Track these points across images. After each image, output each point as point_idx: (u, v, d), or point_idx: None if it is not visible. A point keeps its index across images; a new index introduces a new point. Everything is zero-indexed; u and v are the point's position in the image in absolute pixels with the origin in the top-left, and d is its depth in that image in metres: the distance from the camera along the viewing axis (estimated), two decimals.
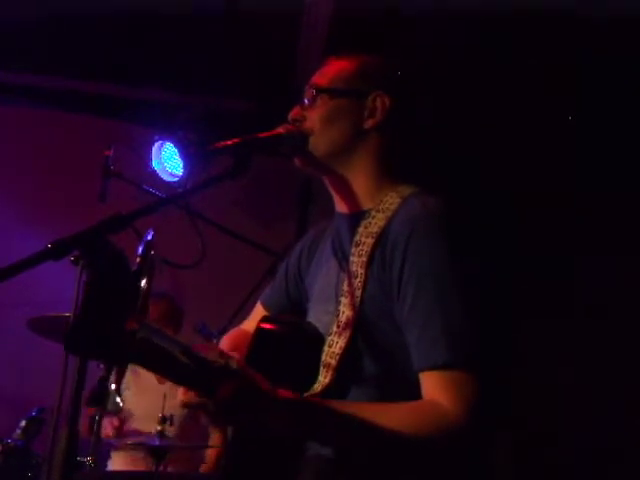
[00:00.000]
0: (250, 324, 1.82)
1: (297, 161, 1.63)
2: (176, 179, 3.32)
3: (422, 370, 1.38)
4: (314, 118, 1.58)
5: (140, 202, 1.34)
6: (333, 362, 1.45)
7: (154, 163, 3.42)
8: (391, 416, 1.35)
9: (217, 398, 1.25)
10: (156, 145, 3.42)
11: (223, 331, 2.68)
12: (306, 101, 1.61)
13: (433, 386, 1.36)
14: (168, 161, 3.41)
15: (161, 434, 2.91)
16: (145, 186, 2.86)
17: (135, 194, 2.86)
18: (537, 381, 3.80)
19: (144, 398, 3.50)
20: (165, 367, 1.24)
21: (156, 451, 2.91)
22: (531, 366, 3.81)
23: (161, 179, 3.40)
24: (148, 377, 3.49)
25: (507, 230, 3.90)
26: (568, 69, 3.63)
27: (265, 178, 3.81)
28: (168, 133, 3.36)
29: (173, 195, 1.46)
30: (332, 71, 1.64)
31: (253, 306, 1.96)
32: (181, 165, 3.32)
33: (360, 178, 1.60)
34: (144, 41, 3.83)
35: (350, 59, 1.66)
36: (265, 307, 1.85)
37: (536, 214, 4.09)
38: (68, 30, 3.76)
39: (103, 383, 1.14)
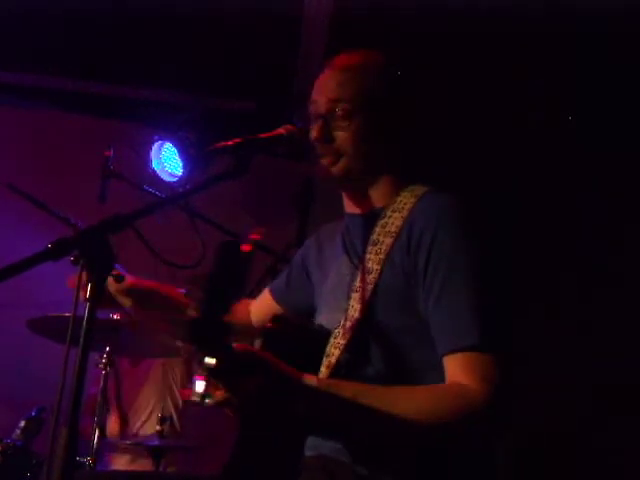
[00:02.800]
0: (256, 303, 1.96)
1: (322, 179, 1.62)
2: (176, 179, 3.32)
3: (449, 352, 1.42)
4: (346, 139, 1.58)
5: (140, 202, 1.34)
6: (337, 352, 1.48)
7: (154, 163, 3.41)
8: (416, 397, 1.39)
9: (243, 392, 1.27)
10: (156, 145, 3.41)
11: None
12: (327, 118, 1.59)
13: (460, 368, 1.40)
14: (168, 161, 3.41)
15: (160, 434, 2.91)
16: (145, 186, 2.86)
17: (135, 194, 2.85)
18: (537, 381, 3.80)
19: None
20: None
21: (155, 451, 2.91)
22: (531, 365, 3.81)
23: (161, 179, 3.39)
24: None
25: (512, 229, 3.91)
26: (568, 69, 3.63)
27: (265, 178, 3.81)
28: (168, 133, 3.36)
29: (173, 195, 1.46)
30: (354, 83, 1.60)
31: None
32: (181, 165, 3.31)
33: (379, 182, 1.63)
34: (144, 41, 3.83)
35: (363, 63, 1.64)
36: (269, 292, 1.95)
37: (538, 214, 4.09)
38: (68, 30, 3.76)
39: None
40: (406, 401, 1.37)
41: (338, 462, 1.47)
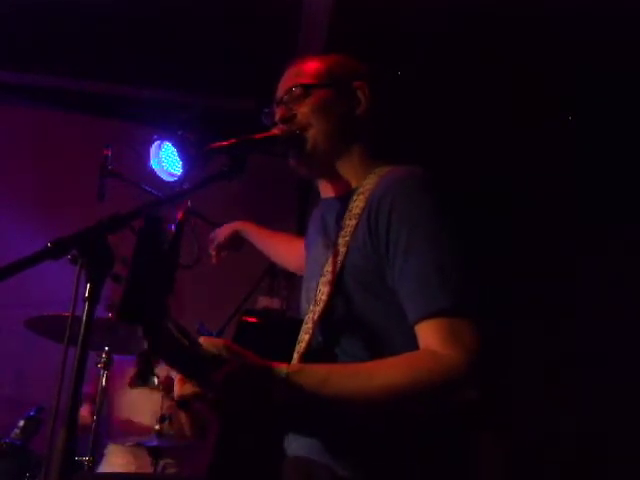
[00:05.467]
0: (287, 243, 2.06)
1: (293, 162, 1.64)
2: (175, 179, 3.32)
3: (419, 321, 1.38)
4: (306, 112, 1.61)
5: (138, 202, 1.34)
6: (307, 337, 1.47)
7: (153, 162, 3.41)
8: (386, 370, 1.35)
9: (212, 384, 1.25)
10: (155, 144, 3.41)
11: (222, 331, 2.68)
12: (287, 101, 1.64)
13: (431, 335, 1.35)
14: (167, 160, 3.41)
15: (159, 434, 2.91)
16: (144, 185, 2.86)
17: (133, 193, 2.85)
18: (537, 382, 3.80)
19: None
20: (172, 354, 1.24)
21: (155, 451, 2.91)
22: (530, 367, 3.81)
23: (160, 178, 3.39)
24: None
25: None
26: (568, 67, 3.64)
27: (264, 178, 3.81)
28: (167, 132, 3.36)
29: (170, 195, 1.46)
30: (309, 69, 1.68)
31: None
32: (180, 165, 3.31)
33: (350, 164, 1.64)
34: (144, 41, 3.83)
35: (318, 58, 1.72)
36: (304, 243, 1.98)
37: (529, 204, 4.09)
38: (68, 30, 3.76)
39: (147, 358, 1.15)
40: (379, 376, 1.34)
41: (315, 463, 1.45)
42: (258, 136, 1.55)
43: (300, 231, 4.29)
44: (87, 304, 1.21)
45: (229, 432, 1.42)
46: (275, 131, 1.59)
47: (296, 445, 1.49)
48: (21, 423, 2.80)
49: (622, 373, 3.78)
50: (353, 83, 1.66)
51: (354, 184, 1.61)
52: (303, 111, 1.61)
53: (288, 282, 3.24)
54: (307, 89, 1.62)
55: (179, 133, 3.14)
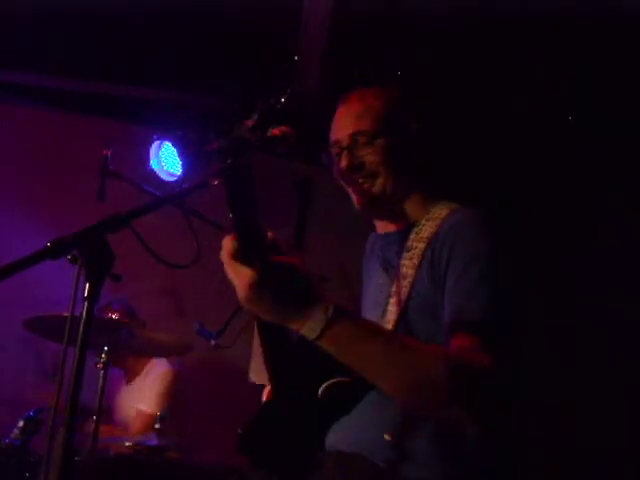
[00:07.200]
0: None
1: (361, 207, 1.70)
2: (174, 178, 3.32)
3: (456, 334, 1.43)
4: (374, 161, 1.67)
5: (138, 201, 1.34)
6: None
7: (153, 162, 3.42)
8: (420, 345, 1.40)
9: (261, 267, 1.26)
10: (155, 144, 3.42)
11: (221, 331, 2.68)
12: (350, 148, 1.67)
13: (465, 342, 1.40)
14: (167, 160, 3.41)
15: (159, 433, 2.91)
16: (144, 186, 2.86)
17: (134, 194, 2.85)
18: (537, 384, 3.80)
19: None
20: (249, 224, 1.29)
21: (154, 451, 2.90)
22: (532, 370, 3.81)
23: (160, 178, 3.40)
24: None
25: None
26: (568, 68, 3.64)
27: (265, 178, 3.80)
28: (167, 132, 3.36)
29: (170, 195, 1.47)
30: (370, 113, 1.70)
31: None
32: (179, 164, 3.31)
33: (411, 200, 1.72)
34: (144, 41, 3.83)
35: (375, 96, 1.73)
36: None
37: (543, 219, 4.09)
38: (68, 30, 3.76)
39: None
40: (416, 347, 1.36)
41: (355, 457, 1.52)
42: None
43: (300, 231, 4.29)
44: (87, 304, 1.21)
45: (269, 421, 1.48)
46: (275, 132, 1.59)
47: (337, 439, 1.54)
48: (21, 423, 2.79)
49: (622, 373, 3.79)
50: (414, 126, 1.72)
51: (415, 217, 1.69)
52: (370, 160, 1.67)
53: None
54: (371, 137, 1.67)
55: (179, 133, 3.14)
